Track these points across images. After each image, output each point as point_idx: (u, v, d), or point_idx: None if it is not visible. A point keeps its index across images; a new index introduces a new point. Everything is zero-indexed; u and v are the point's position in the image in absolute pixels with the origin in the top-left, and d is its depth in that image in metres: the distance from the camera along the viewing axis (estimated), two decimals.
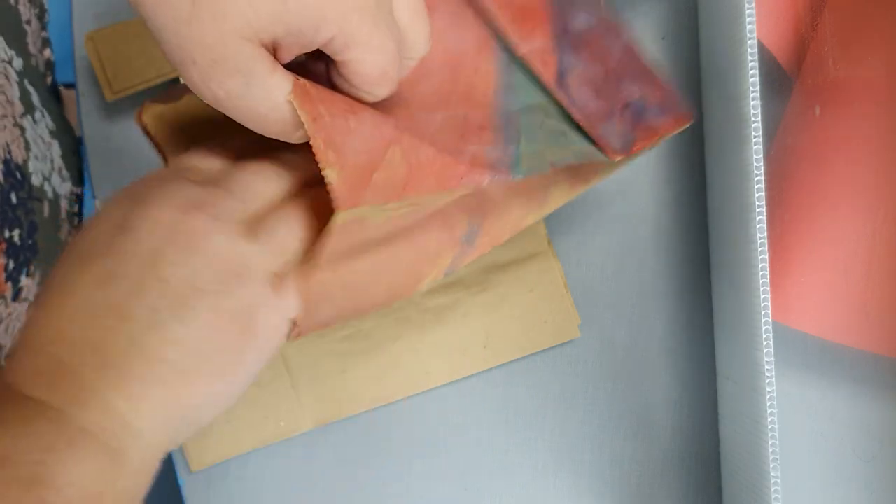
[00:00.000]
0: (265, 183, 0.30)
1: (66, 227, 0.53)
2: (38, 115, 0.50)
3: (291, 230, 0.29)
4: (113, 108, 0.51)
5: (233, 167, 0.30)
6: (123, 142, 0.51)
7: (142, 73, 0.47)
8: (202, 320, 0.27)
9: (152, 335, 0.26)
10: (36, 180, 0.48)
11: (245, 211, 0.29)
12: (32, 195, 0.48)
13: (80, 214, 0.56)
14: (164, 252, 0.26)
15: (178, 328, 0.26)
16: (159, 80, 0.47)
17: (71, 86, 1.14)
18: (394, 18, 0.28)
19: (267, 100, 0.25)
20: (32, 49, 0.52)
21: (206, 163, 0.30)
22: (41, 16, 0.54)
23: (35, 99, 0.50)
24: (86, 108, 0.51)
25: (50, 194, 0.50)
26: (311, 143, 0.26)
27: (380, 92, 0.28)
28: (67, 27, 0.50)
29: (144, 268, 0.26)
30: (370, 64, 0.27)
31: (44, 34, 0.54)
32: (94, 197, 0.51)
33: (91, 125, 0.51)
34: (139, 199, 0.27)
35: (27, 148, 0.48)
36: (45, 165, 0.50)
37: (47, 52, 0.54)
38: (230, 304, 0.27)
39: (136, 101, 0.50)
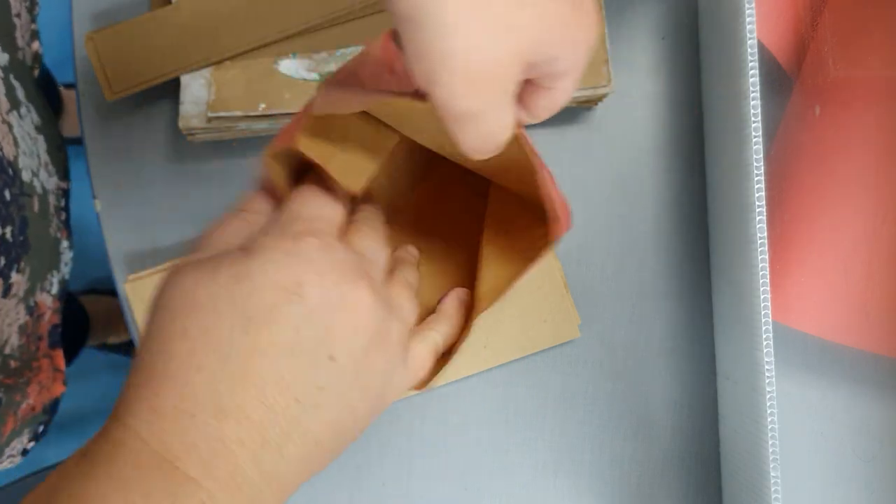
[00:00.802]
0: (381, 253, 0.30)
1: (54, 223, 0.53)
2: (23, 110, 0.50)
3: (411, 302, 0.30)
4: (113, 108, 0.51)
5: (351, 231, 0.30)
6: (123, 142, 0.51)
7: (142, 73, 0.47)
8: (358, 392, 0.27)
9: (314, 415, 0.25)
10: (26, 176, 0.48)
11: (379, 279, 0.29)
12: (24, 191, 0.48)
13: (66, 209, 0.55)
14: (335, 326, 0.26)
15: (335, 410, 0.26)
16: (159, 80, 0.47)
17: (71, 86, 1.13)
18: None
19: (498, 123, 0.25)
20: (20, 42, 0.52)
21: (331, 213, 0.30)
22: (31, 8, 0.54)
23: (20, 94, 0.50)
24: (86, 108, 0.51)
25: (39, 189, 0.50)
26: (541, 191, 0.28)
27: (544, 118, 0.28)
28: (67, 27, 0.50)
29: (318, 343, 0.25)
30: (567, 94, 0.27)
31: (33, 26, 0.54)
32: (94, 197, 0.51)
33: (91, 125, 0.51)
34: (306, 259, 0.26)
35: (16, 144, 0.47)
36: (33, 161, 0.50)
37: (35, 45, 0.54)
38: (377, 382, 0.27)
39: (136, 100, 0.50)
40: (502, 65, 0.24)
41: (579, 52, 0.25)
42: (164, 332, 0.25)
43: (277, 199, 0.31)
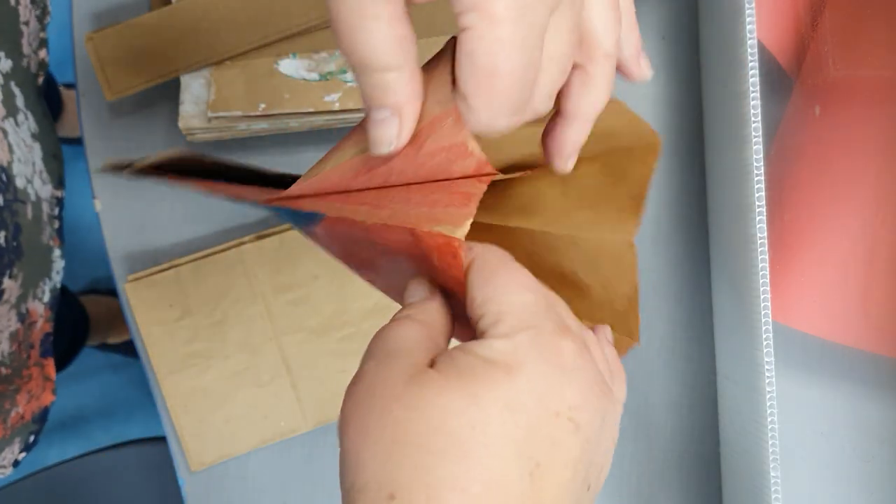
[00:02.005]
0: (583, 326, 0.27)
1: (48, 230, 0.53)
2: (21, 117, 0.50)
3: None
4: (113, 108, 0.51)
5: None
6: (123, 142, 0.51)
7: (142, 73, 0.47)
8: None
9: None
10: (20, 182, 0.48)
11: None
12: (17, 197, 0.48)
13: (60, 218, 0.55)
14: (599, 452, 0.24)
15: None
16: (159, 80, 0.47)
17: (71, 86, 1.13)
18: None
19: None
20: (27, 49, 0.52)
21: (549, 295, 0.25)
22: (42, 17, 0.54)
23: (20, 101, 0.50)
24: (86, 108, 0.51)
25: (33, 197, 0.50)
26: None
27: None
28: (67, 27, 0.50)
29: (584, 477, 0.24)
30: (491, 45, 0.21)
31: (42, 35, 0.54)
32: (94, 197, 0.51)
33: (91, 125, 0.51)
34: (572, 374, 0.23)
35: (10, 150, 0.47)
36: (28, 168, 0.50)
37: (42, 53, 0.54)
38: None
39: (136, 101, 0.50)
40: None
41: None
42: (425, 477, 0.21)
43: (437, 292, 0.26)
